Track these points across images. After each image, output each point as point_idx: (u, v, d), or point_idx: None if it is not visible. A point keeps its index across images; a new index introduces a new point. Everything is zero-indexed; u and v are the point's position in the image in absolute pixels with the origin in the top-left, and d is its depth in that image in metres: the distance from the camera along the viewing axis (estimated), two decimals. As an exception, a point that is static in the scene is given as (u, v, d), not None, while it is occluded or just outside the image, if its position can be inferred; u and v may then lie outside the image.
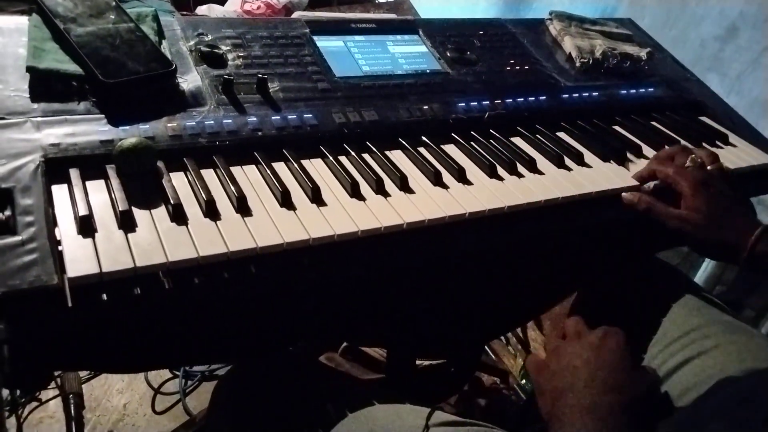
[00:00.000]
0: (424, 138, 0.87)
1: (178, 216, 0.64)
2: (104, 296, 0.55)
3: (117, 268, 0.56)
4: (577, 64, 1.10)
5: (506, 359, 1.69)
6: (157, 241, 0.61)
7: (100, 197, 0.65)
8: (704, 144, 1.02)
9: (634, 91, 1.11)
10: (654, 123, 1.06)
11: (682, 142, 1.00)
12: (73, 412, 1.30)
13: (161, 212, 0.64)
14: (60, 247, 0.58)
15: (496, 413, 1.50)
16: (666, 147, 0.92)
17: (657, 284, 0.93)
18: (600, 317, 0.93)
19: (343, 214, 0.70)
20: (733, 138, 1.06)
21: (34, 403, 1.42)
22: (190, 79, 0.81)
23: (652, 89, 1.13)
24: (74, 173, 0.66)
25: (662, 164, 0.85)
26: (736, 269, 1.61)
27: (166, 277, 0.59)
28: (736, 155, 1.02)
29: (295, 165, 0.76)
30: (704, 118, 1.12)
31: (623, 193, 0.85)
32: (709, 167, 0.84)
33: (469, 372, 1.38)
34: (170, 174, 0.69)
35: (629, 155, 0.93)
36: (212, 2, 1.55)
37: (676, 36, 1.87)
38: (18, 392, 1.23)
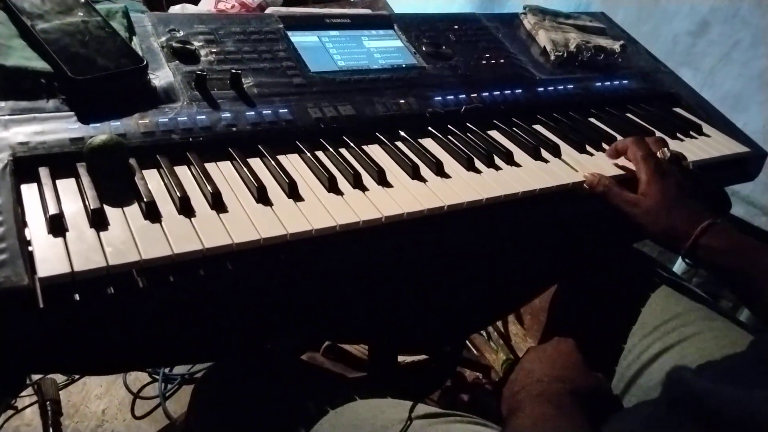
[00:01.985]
0: (401, 132, 0.87)
1: (152, 213, 0.63)
2: (77, 296, 0.54)
3: (89, 267, 0.55)
4: (552, 58, 1.11)
5: (488, 354, 1.70)
6: (130, 239, 0.59)
7: (71, 196, 0.63)
8: (678, 134, 1.03)
9: (609, 83, 1.11)
10: (629, 115, 1.07)
11: (657, 133, 1.01)
12: (50, 419, 1.28)
13: (134, 210, 0.63)
14: (30, 247, 0.56)
15: (479, 408, 1.50)
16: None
17: (635, 274, 0.93)
18: (579, 308, 0.94)
19: (320, 209, 0.70)
20: (706, 128, 1.07)
21: (10, 412, 1.39)
22: (162, 76, 0.80)
23: (626, 81, 1.14)
24: (44, 172, 0.64)
25: (637, 144, 0.85)
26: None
27: (140, 275, 0.57)
28: (710, 145, 1.03)
29: (271, 160, 0.75)
30: (678, 110, 1.13)
31: (585, 174, 0.85)
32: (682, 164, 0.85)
33: (451, 367, 1.38)
34: (143, 171, 0.68)
35: (605, 147, 0.93)
36: (185, 2, 1.53)
37: (649, 31, 1.89)
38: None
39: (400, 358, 1.25)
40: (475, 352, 1.69)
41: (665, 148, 0.85)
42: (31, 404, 1.38)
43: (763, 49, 1.63)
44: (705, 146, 1.01)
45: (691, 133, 1.05)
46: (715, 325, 0.79)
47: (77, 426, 1.41)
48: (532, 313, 1.78)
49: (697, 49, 1.79)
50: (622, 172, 0.87)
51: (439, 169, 0.81)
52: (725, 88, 1.76)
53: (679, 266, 1.79)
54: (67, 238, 0.58)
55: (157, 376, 1.53)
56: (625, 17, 1.83)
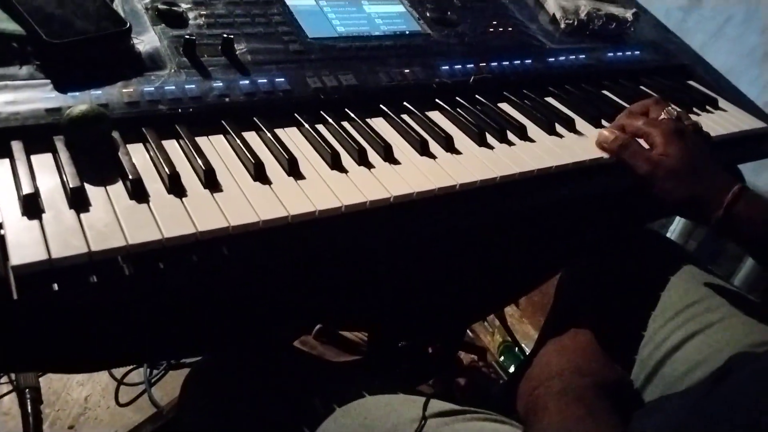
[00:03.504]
0: (406, 104, 0.81)
1: (138, 193, 0.56)
2: (55, 286, 0.48)
3: (69, 253, 0.49)
4: (562, 26, 1.05)
5: (484, 336, 1.66)
6: (114, 221, 0.53)
7: (48, 173, 0.57)
8: (695, 108, 0.98)
9: (621, 54, 1.06)
10: (642, 87, 1.02)
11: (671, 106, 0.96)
12: (29, 407, 1.21)
13: (118, 189, 0.57)
14: (2, 231, 0.50)
15: (476, 391, 1.46)
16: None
17: (652, 257, 0.88)
18: (592, 293, 0.89)
19: (324, 188, 0.63)
20: (722, 103, 1.03)
21: (-13, 400, 1.32)
22: (147, 40, 0.72)
23: (638, 52, 1.08)
24: (17, 146, 0.58)
25: (632, 118, 0.79)
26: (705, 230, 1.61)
27: (126, 262, 0.51)
28: (727, 120, 0.98)
29: (268, 134, 0.68)
30: (692, 82, 1.08)
31: (599, 130, 0.78)
32: (685, 122, 0.79)
33: (451, 353, 1.33)
34: (127, 146, 0.61)
35: (622, 120, 0.88)
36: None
37: (641, 4, 1.86)
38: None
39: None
40: (470, 334, 1.65)
41: (670, 107, 0.79)
42: (8, 392, 1.32)
43: (756, 24, 1.61)
44: (723, 121, 0.97)
45: (707, 107, 1.00)
46: (740, 311, 0.75)
47: (58, 414, 1.35)
48: (528, 294, 1.74)
49: (689, 24, 1.76)
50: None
51: (449, 145, 0.75)
52: (717, 63, 1.72)
53: (672, 233, 1.77)
54: (43, 220, 0.51)
55: (141, 361, 1.47)
56: (616, -9, 1.80)
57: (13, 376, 1.23)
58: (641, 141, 0.77)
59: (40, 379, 1.29)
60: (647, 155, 0.73)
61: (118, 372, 1.43)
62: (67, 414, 1.35)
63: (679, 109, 0.80)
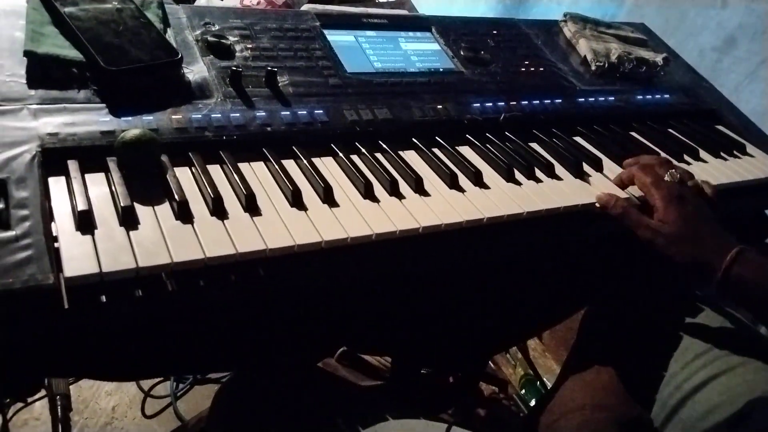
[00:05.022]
0: (438, 138, 0.84)
1: (184, 214, 0.60)
2: (103, 298, 0.51)
3: (118, 268, 0.52)
4: (593, 68, 1.07)
5: (506, 369, 1.66)
6: (161, 240, 0.56)
7: (101, 191, 0.60)
8: (722, 153, 0.99)
9: (650, 97, 1.08)
10: (671, 130, 1.03)
11: (700, 151, 0.97)
12: (60, 414, 1.25)
13: (165, 209, 0.60)
14: (56, 244, 0.54)
15: (495, 423, 1.46)
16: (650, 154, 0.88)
17: (674, 297, 0.89)
18: (615, 332, 0.90)
19: (356, 216, 0.67)
20: (750, 148, 1.04)
21: (20, 404, 1.36)
22: (197, 70, 0.77)
23: (668, 96, 1.10)
24: (73, 165, 0.62)
25: (643, 171, 0.81)
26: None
27: (169, 278, 0.54)
28: (754, 166, 0.99)
29: (306, 163, 0.72)
30: (721, 127, 1.09)
31: (598, 194, 0.80)
32: (689, 183, 0.81)
33: (472, 383, 1.34)
34: (175, 169, 0.65)
35: (648, 162, 0.89)
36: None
37: (674, 45, 1.86)
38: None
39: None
40: (492, 365, 1.65)
41: (673, 170, 0.81)
42: (41, 398, 1.36)
43: (790, 67, 1.61)
44: (749, 167, 0.98)
45: (735, 152, 1.01)
46: (763, 354, 0.75)
47: (86, 422, 1.38)
48: (552, 329, 1.74)
49: (723, 65, 1.76)
50: None
51: (477, 179, 0.78)
52: (750, 105, 1.72)
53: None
54: (95, 236, 0.55)
55: (168, 375, 1.50)
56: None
57: (46, 382, 1.27)
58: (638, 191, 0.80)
59: (71, 387, 1.33)
60: (646, 223, 0.75)
61: (146, 384, 1.47)
62: (94, 422, 1.39)
63: (683, 170, 0.82)
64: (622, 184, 0.83)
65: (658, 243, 0.73)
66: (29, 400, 1.38)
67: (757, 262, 0.70)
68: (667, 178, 0.79)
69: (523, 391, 1.59)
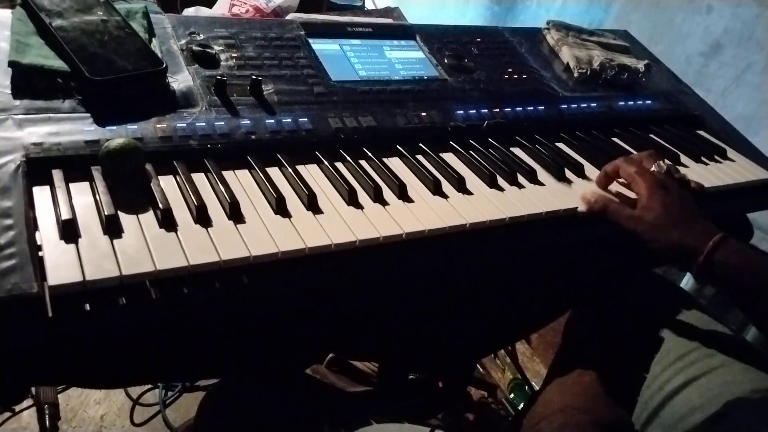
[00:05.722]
0: (421, 145, 0.85)
1: (168, 222, 0.60)
2: (87, 306, 0.52)
3: (101, 276, 0.53)
4: (575, 75, 1.09)
5: (494, 373, 1.67)
6: (144, 248, 0.57)
7: (85, 200, 0.61)
8: (703, 158, 1.01)
9: (632, 103, 1.09)
10: (652, 136, 1.05)
11: (682, 156, 0.99)
12: (48, 423, 1.25)
13: (149, 217, 0.61)
14: (41, 253, 0.54)
15: (484, 427, 1.47)
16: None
17: (656, 300, 0.91)
18: (598, 335, 0.91)
19: (340, 223, 0.67)
20: (731, 153, 1.05)
21: (7, 414, 1.36)
22: (181, 79, 0.78)
23: (649, 102, 1.11)
24: (57, 174, 0.62)
25: (628, 162, 0.82)
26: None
27: (153, 286, 0.55)
28: (735, 170, 1.00)
29: (290, 170, 0.73)
30: (702, 132, 1.11)
31: (581, 193, 0.81)
32: (675, 176, 0.83)
33: (460, 388, 1.35)
34: (159, 177, 0.66)
35: (630, 168, 0.91)
36: (200, 5, 1.51)
37: (661, 51, 1.88)
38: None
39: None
40: (481, 370, 1.66)
41: (661, 161, 0.82)
42: (29, 407, 1.35)
43: (775, 71, 1.62)
44: (730, 171, 0.99)
45: (716, 157, 1.03)
46: (740, 356, 0.77)
47: (75, 431, 1.38)
48: (540, 332, 1.76)
49: (710, 70, 1.78)
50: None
51: (461, 185, 0.78)
52: (737, 110, 1.74)
53: (686, 283, 1.77)
54: (79, 244, 0.56)
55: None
56: (638, 36, 1.83)
57: (33, 391, 1.27)
58: (624, 189, 0.81)
59: (59, 395, 1.33)
60: (629, 213, 0.76)
61: (134, 392, 1.47)
62: (83, 431, 1.38)
63: (670, 163, 0.83)
64: (607, 176, 0.84)
65: (641, 230, 0.75)
66: (17, 409, 1.37)
67: (739, 249, 0.71)
68: (654, 168, 0.80)
69: (512, 395, 1.60)
